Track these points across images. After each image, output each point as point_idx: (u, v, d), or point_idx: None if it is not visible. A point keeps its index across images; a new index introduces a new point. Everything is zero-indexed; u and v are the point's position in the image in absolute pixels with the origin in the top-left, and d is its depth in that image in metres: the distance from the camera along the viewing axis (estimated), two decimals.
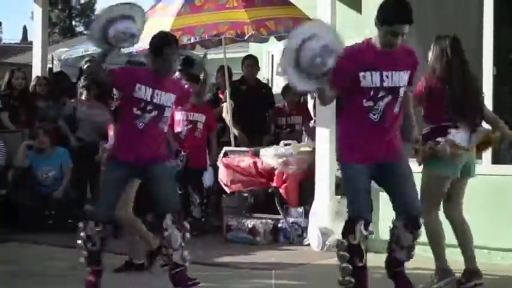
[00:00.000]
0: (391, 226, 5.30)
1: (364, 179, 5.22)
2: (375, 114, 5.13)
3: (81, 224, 5.89)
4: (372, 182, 5.33)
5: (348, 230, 5.20)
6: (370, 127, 5.15)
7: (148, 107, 5.76)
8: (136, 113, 5.75)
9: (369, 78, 5.10)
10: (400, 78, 5.15)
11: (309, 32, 5.04)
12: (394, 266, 5.36)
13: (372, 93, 5.11)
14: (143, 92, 5.76)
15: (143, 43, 8.94)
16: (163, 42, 5.88)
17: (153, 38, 5.95)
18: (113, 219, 6.00)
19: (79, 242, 5.88)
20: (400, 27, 5.04)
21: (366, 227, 5.21)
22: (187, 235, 5.79)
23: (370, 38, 5.24)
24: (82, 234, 5.85)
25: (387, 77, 5.12)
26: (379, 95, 5.11)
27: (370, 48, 5.20)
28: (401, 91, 5.16)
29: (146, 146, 5.77)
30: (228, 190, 8.69)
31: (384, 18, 5.09)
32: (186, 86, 6.43)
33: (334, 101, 5.50)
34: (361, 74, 5.10)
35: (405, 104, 5.28)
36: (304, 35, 4.99)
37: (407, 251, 5.31)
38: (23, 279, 6.64)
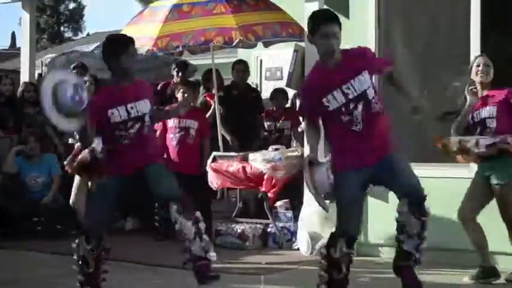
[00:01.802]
0: (396, 215, 5.19)
1: (355, 188, 5.20)
2: (356, 125, 5.14)
3: (74, 245, 5.75)
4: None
5: (331, 243, 5.22)
6: (357, 137, 5.16)
7: (129, 124, 5.63)
8: (119, 134, 5.62)
9: (334, 101, 5.12)
10: (361, 82, 5.13)
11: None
12: (403, 259, 5.16)
13: (343, 109, 5.12)
14: (117, 114, 5.60)
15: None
16: (120, 44, 5.66)
17: (108, 42, 5.73)
18: (102, 236, 5.76)
19: (74, 267, 5.77)
20: (328, 27, 5.08)
21: (350, 244, 5.21)
22: (202, 224, 5.59)
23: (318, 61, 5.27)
24: (75, 256, 5.73)
25: (348, 88, 5.12)
26: (351, 107, 5.13)
27: (318, 73, 5.23)
28: (369, 92, 5.12)
29: (137, 155, 5.65)
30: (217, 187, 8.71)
31: (311, 27, 5.17)
32: (145, 82, 6.12)
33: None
34: (324, 100, 5.13)
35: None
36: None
37: (417, 243, 5.12)
38: (14, 286, 6.62)
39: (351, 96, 5.10)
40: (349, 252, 5.21)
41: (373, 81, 5.28)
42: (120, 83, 5.67)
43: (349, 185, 5.19)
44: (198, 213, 5.61)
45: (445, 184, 7.02)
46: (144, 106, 5.68)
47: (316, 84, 5.19)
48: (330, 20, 5.12)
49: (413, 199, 5.12)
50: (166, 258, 7.31)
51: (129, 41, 5.75)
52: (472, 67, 6.64)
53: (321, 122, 5.30)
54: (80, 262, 5.70)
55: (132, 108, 5.63)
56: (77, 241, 5.70)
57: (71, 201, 8.69)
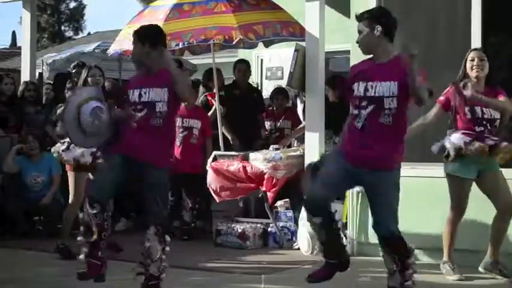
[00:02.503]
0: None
1: (340, 164, 5.24)
2: (358, 122, 5.19)
3: (81, 214, 5.91)
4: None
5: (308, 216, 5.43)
6: (355, 133, 5.22)
7: (138, 107, 5.80)
8: (134, 114, 5.82)
9: (356, 90, 5.22)
10: (384, 89, 5.13)
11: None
12: None
13: (357, 102, 5.20)
14: (132, 95, 5.85)
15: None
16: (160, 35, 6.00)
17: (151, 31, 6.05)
18: (106, 202, 5.92)
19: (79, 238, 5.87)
20: (358, 25, 5.30)
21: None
22: (167, 248, 5.75)
23: None
24: (81, 227, 5.86)
25: (372, 87, 5.16)
26: (363, 104, 5.18)
27: (367, 61, 5.35)
28: (387, 101, 5.11)
29: (140, 142, 5.76)
30: (217, 199, 8.67)
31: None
32: (169, 73, 6.08)
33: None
34: (353, 85, 5.25)
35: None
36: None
37: (399, 280, 5.16)
38: (16, 286, 6.63)
39: (368, 94, 5.16)
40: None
41: (402, 96, 5.17)
42: (147, 70, 5.95)
43: (333, 161, 5.31)
44: (168, 238, 5.78)
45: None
46: (157, 95, 5.81)
47: (359, 68, 5.36)
48: (358, 20, 5.36)
49: (383, 239, 5.22)
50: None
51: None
52: (465, 62, 6.58)
53: None
54: (83, 229, 5.82)
55: (145, 93, 5.81)
56: (84, 209, 5.87)
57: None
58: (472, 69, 6.52)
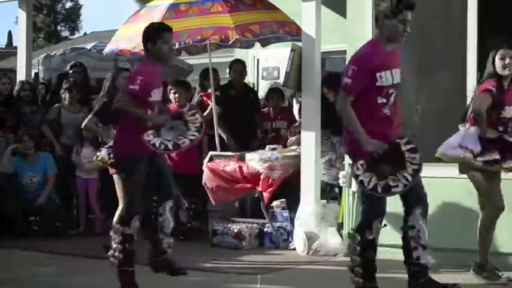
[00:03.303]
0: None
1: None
2: (386, 109, 5.40)
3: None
4: None
5: (364, 226, 5.44)
6: (385, 121, 5.43)
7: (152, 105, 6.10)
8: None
9: (384, 78, 5.36)
10: (399, 74, 5.44)
11: None
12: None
13: (385, 90, 5.39)
14: (156, 95, 6.07)
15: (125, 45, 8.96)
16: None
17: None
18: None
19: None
20: (409, 15, 5.40)
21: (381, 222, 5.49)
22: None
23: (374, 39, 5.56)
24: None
25: (396, 73, 5.41)
26: (390, 92, 5.41)
27: (379, 49, 5.44)
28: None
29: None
30: (213, 202, 8.66)
31: (393, 9, 5.38)
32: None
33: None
34: (378, 74, 5.36)
35: None
36: None
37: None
38: (13, 286, 6.62)
39: (394, 81, 5.39)
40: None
41: None
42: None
43: None
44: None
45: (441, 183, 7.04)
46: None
47: (380, 57, 5.39)
48: (412, 9, 5.42)
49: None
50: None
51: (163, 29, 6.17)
52: (494, 60, 6.38)
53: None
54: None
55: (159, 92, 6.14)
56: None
57: None
58: (504, 68, 6.34)
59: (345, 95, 5.37)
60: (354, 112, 5.33)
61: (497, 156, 6.21)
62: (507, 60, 6.35)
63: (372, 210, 5.45)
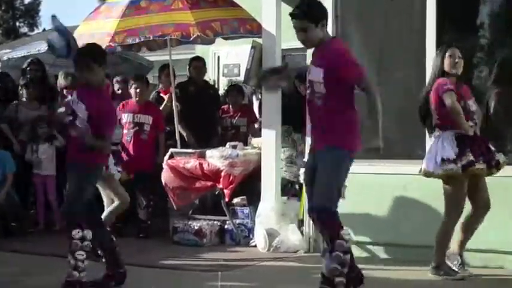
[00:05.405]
0: None
1: None
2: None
3: None
4: None
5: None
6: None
7: None
8: None
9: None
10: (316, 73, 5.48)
11: None
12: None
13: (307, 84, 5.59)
14: None
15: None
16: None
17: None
18: None
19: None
20: (294, 21, 5.56)
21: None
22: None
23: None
24: None
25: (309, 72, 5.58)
26: (308, 86, 5.59)
27: None
28: (317, 85, 5.45)
29: None
30: (175, 206, 8.60)
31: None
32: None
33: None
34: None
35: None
36: None
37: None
38: None
39: (309, 77, 5.61)
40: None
41: None
42: None
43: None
44: None
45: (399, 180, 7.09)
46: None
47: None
48: (293, 18, 5.62)
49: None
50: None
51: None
52: (443, 58, 6.42)
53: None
54: None
55: None
56: None
57: None
58: (454, 66, 6.38)
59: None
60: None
61: (472, 158, 6.23)
62: (457, 59, 6.41)
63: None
